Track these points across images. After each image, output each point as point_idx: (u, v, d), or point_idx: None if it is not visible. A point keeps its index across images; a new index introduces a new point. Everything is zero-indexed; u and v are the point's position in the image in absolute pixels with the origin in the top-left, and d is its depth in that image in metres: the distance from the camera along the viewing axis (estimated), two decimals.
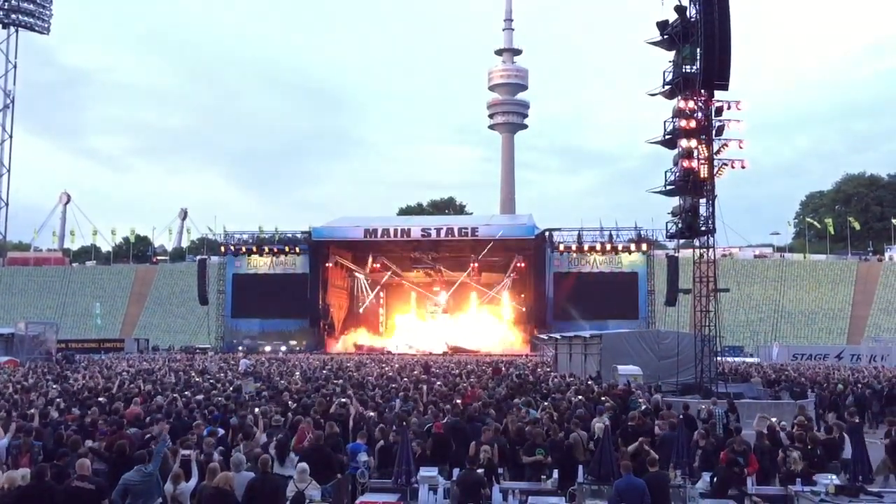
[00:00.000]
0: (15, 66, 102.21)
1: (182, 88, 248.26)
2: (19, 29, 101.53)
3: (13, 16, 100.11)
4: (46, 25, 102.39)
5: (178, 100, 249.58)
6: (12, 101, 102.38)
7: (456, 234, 64.16)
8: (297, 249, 66.56)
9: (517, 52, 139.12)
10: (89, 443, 11.87)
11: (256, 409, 15.19)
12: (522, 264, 65.30)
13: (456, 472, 11.80)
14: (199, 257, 78.73)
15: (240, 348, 60.30)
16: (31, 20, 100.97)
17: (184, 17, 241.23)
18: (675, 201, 29.84)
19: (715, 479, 11.47)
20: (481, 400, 17.88)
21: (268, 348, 61.92)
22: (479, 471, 11.20)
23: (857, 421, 19.22)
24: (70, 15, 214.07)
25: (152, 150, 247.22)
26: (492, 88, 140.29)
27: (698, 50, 27.60)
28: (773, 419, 15.87)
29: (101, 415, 14.84)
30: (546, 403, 17.03)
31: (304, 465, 10.38)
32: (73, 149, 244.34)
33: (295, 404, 16.92)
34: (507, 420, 14.53)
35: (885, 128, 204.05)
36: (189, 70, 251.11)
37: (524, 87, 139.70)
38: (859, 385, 28.91)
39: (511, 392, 20.72)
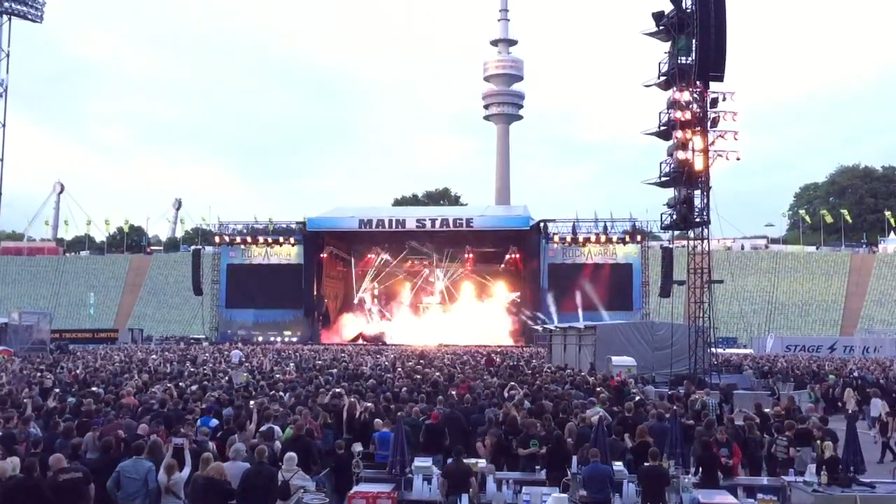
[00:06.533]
0: (8, 55, 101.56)
1: (178, 80, 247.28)
2: (11, 17, 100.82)
3: (5, 4, 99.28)
4: (39, 13, 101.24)
5: (173, 91, 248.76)
6: (5, 90, 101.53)
7: (451, 224, 64.05)
8: (292, 240, 66.40)
9: (513, 42, 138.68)
10: (89, 436, 11.81)
11: (252, 402, 15.15)
12: (517, 255, 65.28)
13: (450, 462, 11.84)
14: (193, 247, 78.57)
15: (234, 339, 60.25)
16: (23, 8, 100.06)
17: (182, 8, 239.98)
18: (670, 193, 29.92)
19: (700, 467, 11.54)
20: (476, 391, 17.92)
21: (260, 338, 61.85)
22: (472, 461, 11.24)
23: (850, 411, 19.51)
24: (69, 5, 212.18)
25: (147, 140, 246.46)
26: (487, 79, 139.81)
27: (694, 41, 27.67)
28: (768, 410, 15.94)
29: (96, 404, 14.81)
30: (540, 394, 17.05)
31: (291, 454, 10.42)
32: (69, 139, 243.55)
33: (288, 394, 16.92)
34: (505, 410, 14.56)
35: (879, 121, 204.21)
36: (186, 62, 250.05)
37: (520, 78, 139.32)
38: (852, 376, 29.07)
39: (504, 382, 20.72)
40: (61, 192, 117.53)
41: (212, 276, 67.16)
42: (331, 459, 12.17)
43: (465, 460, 11.28)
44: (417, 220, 64.87)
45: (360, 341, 61.74)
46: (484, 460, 12.02)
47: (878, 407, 19.08)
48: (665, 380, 26.23)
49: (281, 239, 66.60)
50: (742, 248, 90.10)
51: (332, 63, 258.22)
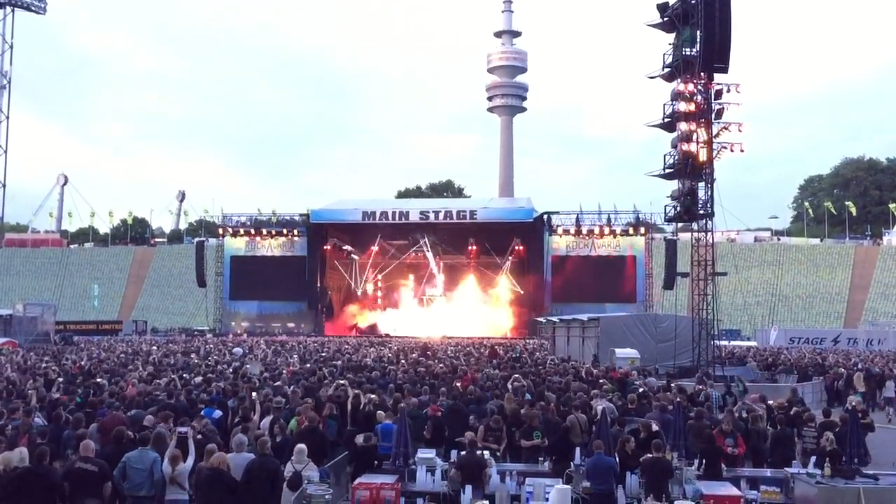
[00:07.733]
0: (11, 47, 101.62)
1: (182, 74, 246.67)
2: (15, 9, 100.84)
3: None
4: (43, 5, 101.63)
5: (177, 85, 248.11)
6: (9, 82, 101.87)
7: (454, 216, 64.03)
8: (296, 232, 66.46)
9: (517, 34, 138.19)
10: (93, 427, 11.85)
11: (254, 394, 15.19)
12: (521, 247, 65.25)
13: (454, 453, 11.85)
14: (196, 239, 78.63)
15: (238, 331, 60.33)
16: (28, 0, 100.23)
17: (185, 4, 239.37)
18: (674, 185, 29.88)
19: (703, 459, 11.54)
20: (479, 383, 17.93)
21: (263, 330, 61.92)
22: (479, 452, 11.26)
23: (853, 404, 19.47)
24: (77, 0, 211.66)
25: (151, 134, 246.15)
26: (491, 71, 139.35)
27: (698, 32, 27.55)
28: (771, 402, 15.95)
29: (100, 396, 14.86)
30: (543, 386, 17.07)
31: (302, 445, 10.43)
32: (73, 131, 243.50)
33: (293, 386, 16.95)
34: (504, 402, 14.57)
35: (884, 116, 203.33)
36: (189, 56, 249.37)
37: (523, 70, 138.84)
38: (857, 368, 29.03)
39: (507, 374, 20.74)
40: (65, 184, 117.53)
41: (215, 267, 67.21)
42: (352, 450, 12.23)
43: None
44: (421, 213, 64.87)
45: (355, 333, 61.79)
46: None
47: (892, 389, 19.33)
48: (668, 371, 26.27)
49: (285, 231, 66.68)
50: (755, 239, 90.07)
51: (335, 56, 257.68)
